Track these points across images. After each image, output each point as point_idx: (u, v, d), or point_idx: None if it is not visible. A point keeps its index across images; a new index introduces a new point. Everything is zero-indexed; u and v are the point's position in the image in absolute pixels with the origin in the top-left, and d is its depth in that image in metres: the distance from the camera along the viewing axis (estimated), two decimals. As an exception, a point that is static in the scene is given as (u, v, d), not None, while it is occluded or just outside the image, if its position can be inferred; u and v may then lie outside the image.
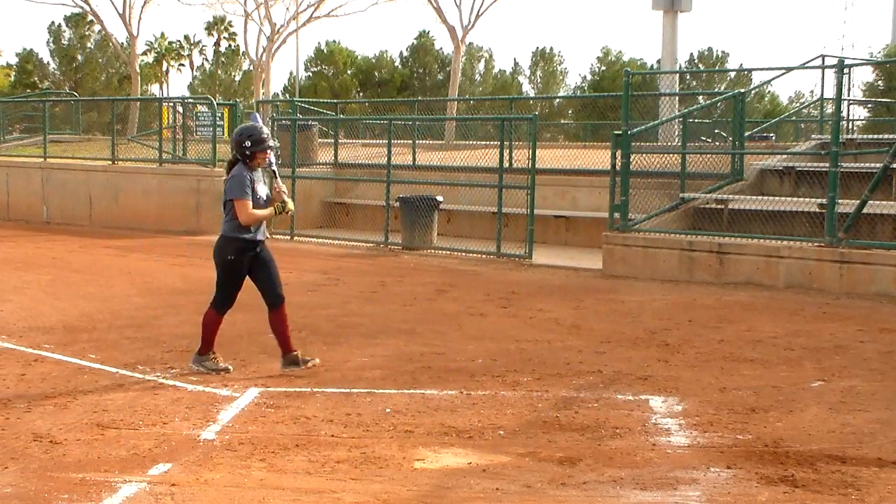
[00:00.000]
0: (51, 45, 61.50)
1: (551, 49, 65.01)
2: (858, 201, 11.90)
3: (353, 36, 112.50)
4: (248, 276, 7.47)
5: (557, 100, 59.94)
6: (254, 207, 7.21)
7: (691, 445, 5.73)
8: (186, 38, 67.01)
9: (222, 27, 65.14)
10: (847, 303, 11.11)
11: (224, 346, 8.43)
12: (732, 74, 44.33)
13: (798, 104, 49.65)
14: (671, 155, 15.97)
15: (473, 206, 17.44)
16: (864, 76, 37.18)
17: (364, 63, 63.78)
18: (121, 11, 38.10)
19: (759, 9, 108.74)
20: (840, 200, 12.08)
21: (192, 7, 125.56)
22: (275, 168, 7.54)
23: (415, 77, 62.57)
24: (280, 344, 7.55)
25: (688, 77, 39.69)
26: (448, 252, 15.83)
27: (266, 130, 7.32)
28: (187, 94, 61.48)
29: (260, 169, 7.37)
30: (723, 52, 64.00)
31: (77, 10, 46.12)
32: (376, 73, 63.33)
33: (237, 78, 66.66)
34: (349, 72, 63.20)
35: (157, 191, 19.90)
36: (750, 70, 35.36)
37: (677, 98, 19.71)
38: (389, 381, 7.22)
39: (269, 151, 7.29)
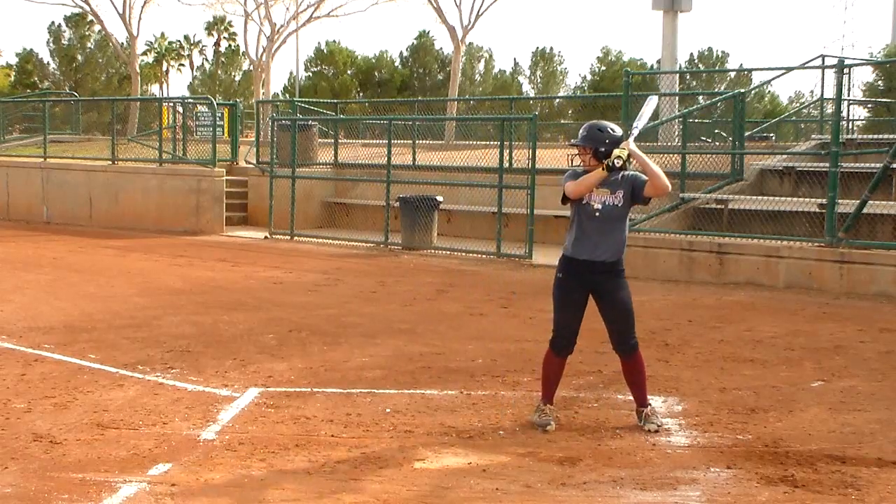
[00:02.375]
0: (51, 45, 61.51)
1: (551, 49, 65.12)
2: (858, 201, 11.90)
3: (353, 36, 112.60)
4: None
5: (557, 100, 59.92)
6: (584, 217, 6.05)
7: (691, 445, 5.72)
8: (186, 38, 67.14)
9: (222, 27, 65.17)
10: (847, 303, 11.11)
11: (223, 345, 8.45)
12: (732, 74, 44.35)
13: (798, 104, 49.65)
14: (671, 155, 15.96)
15: (473, 206, 17.44)
16: (864, 76, 37.10)
17: (364, 63, 63.79)
18: (121, 11, 38.13)
19: (759, 9, 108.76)
20: (840, 200, 12.08)
21: (192, 7, 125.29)
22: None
23: (415, 77, 62.57)
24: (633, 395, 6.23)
25: (688, 77, 39.68)
26: (448, 252, 15.82)
27: (609, 128, 5.95)
28: (187, 94, 61.50)
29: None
30: (723, 52, 64.15)
31: (77, 10, 46.13)
32: (376, 73, 63.34)
33: (237, 78, 66.70)
34: (349, 72, 63.21)
35: (157, 191, 19.90)
36: (750, 70, 35.40)
37: (677, 98, 19.69)
38: (389, 381, 7.21)
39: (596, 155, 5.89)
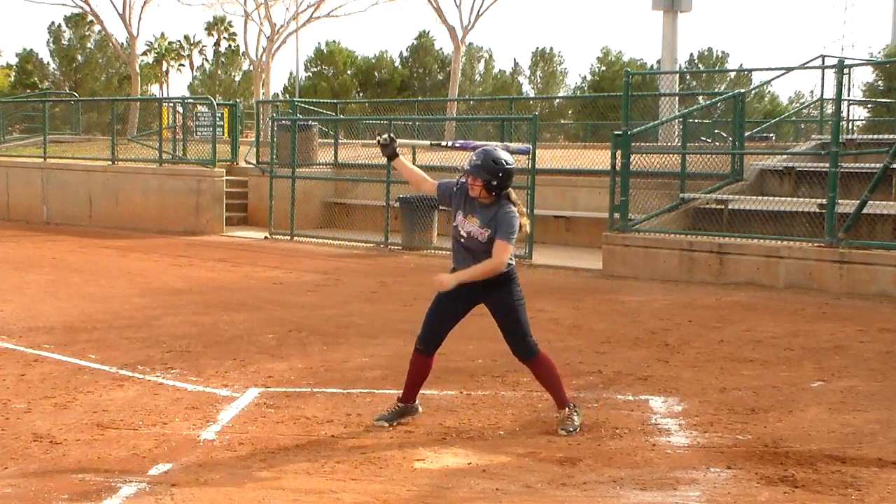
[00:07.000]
0: (51, 45, 61.45)
1: (551, 49, 65.01)
2: (858, 201, 11.90)
3: (353, 36, 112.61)
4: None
5: (557, 100, 59.89)
6: (455, 234, 6.04)
7: (691, 445, 5.72)
8: (186, 38, 67.06)
9: (222, 27, 65.13)
10: (847, 303, 11.11)
11: (223, 345, 8.45)
12: (732, 74, 44.31)
13: (798, 104, 49.62)
14: (671, 155, 15.96)
15: (473, 206, 17.41)
16: (864, 76, 37.12)
17: (364, 63, 63.75)
18: (121, 11, 38.19)
19: (759, 9, 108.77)
20: (840, 200, 12.08)
21: (192, 7, 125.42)
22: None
23: (415, 77, 62.53)
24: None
25: (688, 77, 39.69)
26: (448, 252, 15.78)
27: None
28: (187, 94, 61.48)
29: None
30: (723, 52, 64.04)
31: (77, 10, 46.18)
32: (376, 74, 63.29)
33: (237, 78, 66.65)
34: (349, 72, 63.18)
35: (157, 191, 19.90)
36: (750, 70, 35.32)
37: (677, 98, 19.70)
38: (389, 381, 7.21)
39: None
